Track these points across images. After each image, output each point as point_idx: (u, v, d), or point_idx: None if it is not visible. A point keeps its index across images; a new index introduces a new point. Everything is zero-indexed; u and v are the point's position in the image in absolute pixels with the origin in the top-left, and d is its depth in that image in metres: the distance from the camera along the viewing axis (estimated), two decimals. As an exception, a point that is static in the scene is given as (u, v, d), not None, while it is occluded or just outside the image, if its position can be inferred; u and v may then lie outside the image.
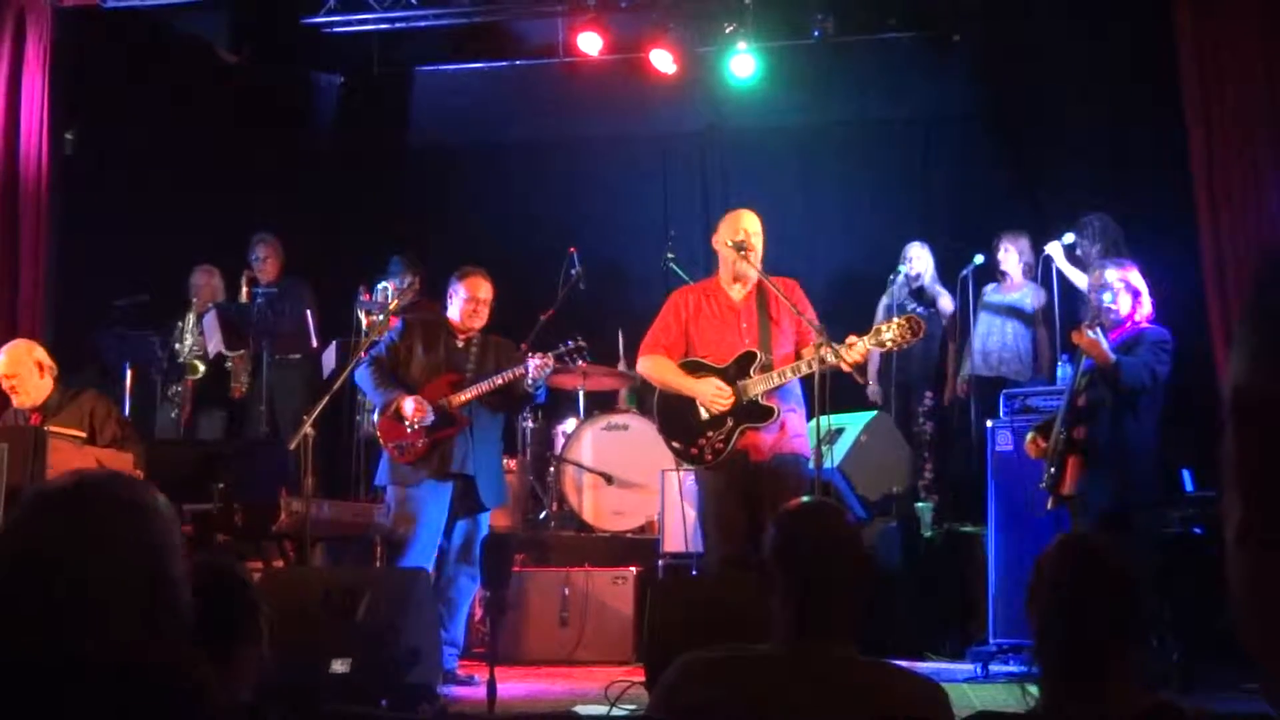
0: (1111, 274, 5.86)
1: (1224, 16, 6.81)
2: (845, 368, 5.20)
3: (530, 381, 6.03)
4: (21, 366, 6.10)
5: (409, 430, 6.10)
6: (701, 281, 5.88)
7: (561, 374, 8.31)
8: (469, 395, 6.13)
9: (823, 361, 5.19)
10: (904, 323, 5.22)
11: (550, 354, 6.06)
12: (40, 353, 6.18)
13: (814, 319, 5.44)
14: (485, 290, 6.30)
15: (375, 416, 6.28)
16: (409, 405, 6.07)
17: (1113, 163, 8.44)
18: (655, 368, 5.70)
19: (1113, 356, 5.55)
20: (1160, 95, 7.35)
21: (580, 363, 6.35)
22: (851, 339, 5.24)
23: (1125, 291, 5.78)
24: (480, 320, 6.32)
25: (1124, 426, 5.61)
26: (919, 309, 7.99)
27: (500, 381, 6.09)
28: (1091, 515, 5.54)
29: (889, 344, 5.26)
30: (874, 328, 5.30)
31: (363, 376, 6.25)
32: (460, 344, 6.30)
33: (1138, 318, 5.80)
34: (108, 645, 1.70)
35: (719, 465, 5.47)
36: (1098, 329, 5.58)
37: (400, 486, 6.18)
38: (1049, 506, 5.69)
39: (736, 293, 5.62)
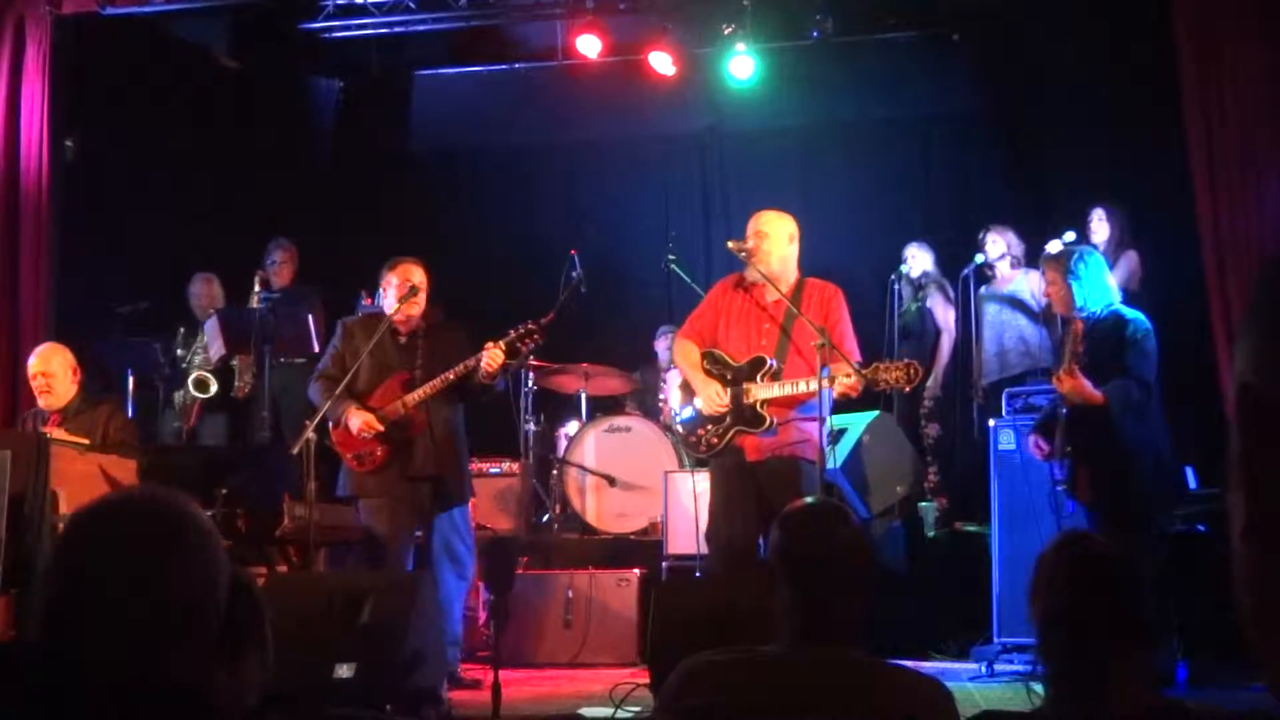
0: (1046, 280, 5.82)
1: (1224, 14, 6.80)
2: (837, 394, 5.26)
3: (483, 373, 5.83)
4: (56, 366, 6.40)
5: (364, 439, 5.95)
6: None
7: (564, 376, 8.32)
8: (422, 394, 5.90)
9: (821, 381, 5.24)
10: (903, 369, 5.21)
11: (501, 342, 5.83)
12: (71, 357, 6.47)
13: (840, 336, 5.42)
14: (418, 275, 6.05)
15: (330, 427, 6.06)
16: (355, 423, 5.89)
17: (1113, 160, 8.43)
18: (679, 352, 5.79)
19: (1098, 394, 5.43)
20: (1160, 92, 7.34)
21: (531, 344, 5.99)
22: (849, 372, 5.26)
23: (1060, 286, 5.67)
24: (418, 308, 6.07)
25: (1125, 432, 5.53)
26: (918, 306, 8.03)
27: (452, 377, 5.85)
28: (1105, 520, 5.52)
29: (883, 384, 5.29)
30: (873, 365, 5.28)
31: (314, 393, 6.08)
32: (404, 340, 6.08)
33: (1095, 305, 5.62)
34: (178, 666, 1.70)
35: (712, 458, 5.54)
36: (1075, 369, 5.47)
37: (366, 497, 6.01)
38: (1073, 506, 5.66)
39: (771, 292, 5.60)
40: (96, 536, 1.74)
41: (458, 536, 6.07)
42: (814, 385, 5.27)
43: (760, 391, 5.43)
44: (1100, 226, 7.55)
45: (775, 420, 5.40)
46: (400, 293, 6.00)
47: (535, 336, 5.92)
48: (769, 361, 5.47)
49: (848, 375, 5.24)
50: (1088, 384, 5.42)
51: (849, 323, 5.57)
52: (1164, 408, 5.66)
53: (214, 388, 8.29)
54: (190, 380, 8.27)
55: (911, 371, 5.22)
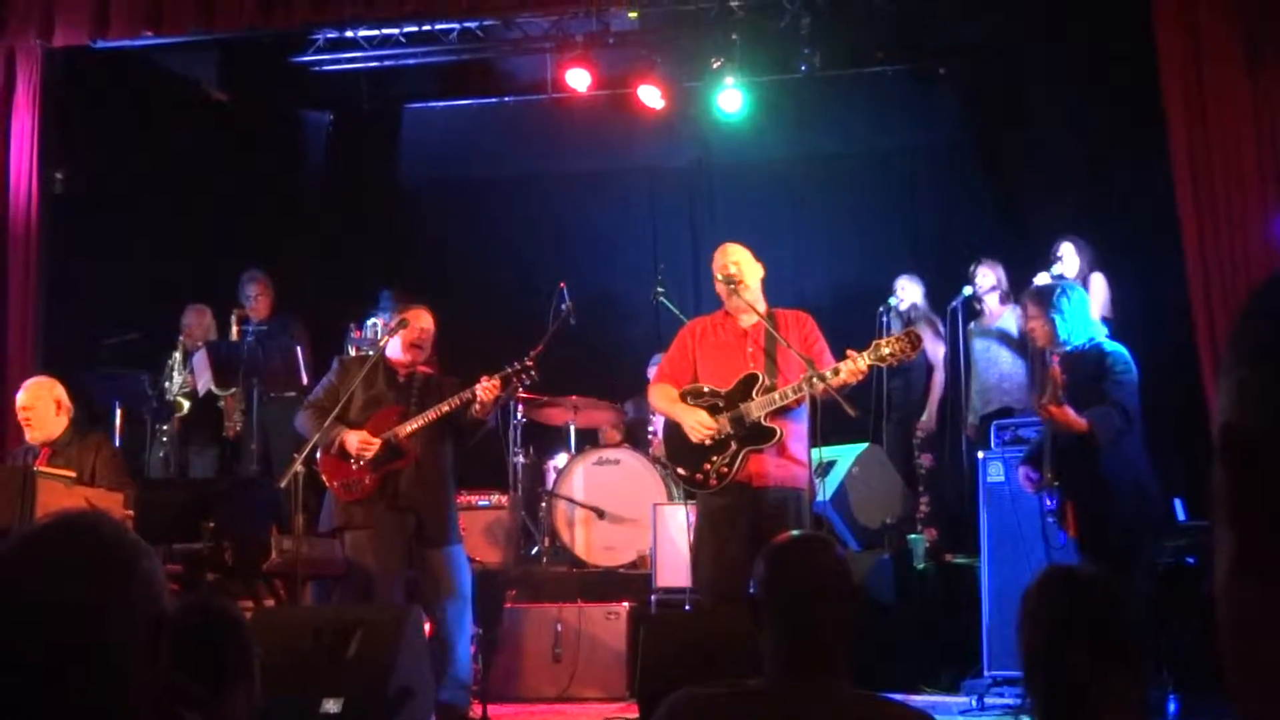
0: (1028, 315, 5.83)
1: (1206, 37, 6.84)
2: (836, 384, 5.17)
3: (478, 406, 5.83)
4: (40, 401, 6.35)
5: (355, 467, 5.90)
6: (716, 312, 5.85)
7: (552, 409, 8.31)
8: (417, 424, 5.89)
9: (815, 384, 5.19)
10: (903, 338, 5.21)
11: (497, 376, 5.83)
12: (60, 391, 6.43)
13: (818, 353, 5.43)
14: (426, 320, 6.14)
15: (317, 455, 6.00)
16: (353, 440, 5.86)
17: (1098, 190, 8.47)
18: (656, 395, 5.72)
19: (1083, 422, 5.43)
20: (1145, 120, 7.39)
21: (526, 381, 5.99)
22: (851, 354, 5.24)
23: (1042, 322, 5.67)
24: (424, 353, 6.14)
25: (1104, 464, 5.53)
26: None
27: (447, 409, 5.85)
28: (1091, 552, 5.51)
29: (889, 359, 5.25)
30: (873, 343, 5.27)
31: (302, 421, 6.05)
32: (401, 379, 6.10)
33: (1077, 339, 5.62)
34: (118, 693, 1.66)
35: (723, 491, 5.41)
36: (1060, 399, 5.47)
37: (353, 529, 5.96)
38: (1065, 538, 5.64)
39: (745, 320, 5.61)
40: (34, 561, 1.70)
41: (454, 571, 6.03)
42: (808, 386, 5.25)
43: (760, 407, 5.38)
44: (1070, 258, 7.49)
45: (781, 431, 5.37)
46: (407, 337, 6.05)
47: (531, 373, 5.92)
48: (760, 376, 5.44)
49: (849, 357, 5.20)
50: (1071, 412, 5.43)
51: (826, 344, 5.55)
52: (1146, 440, 5.67)
53: (187, 405, 8.29)
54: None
55: (913, 338, 5.21)
